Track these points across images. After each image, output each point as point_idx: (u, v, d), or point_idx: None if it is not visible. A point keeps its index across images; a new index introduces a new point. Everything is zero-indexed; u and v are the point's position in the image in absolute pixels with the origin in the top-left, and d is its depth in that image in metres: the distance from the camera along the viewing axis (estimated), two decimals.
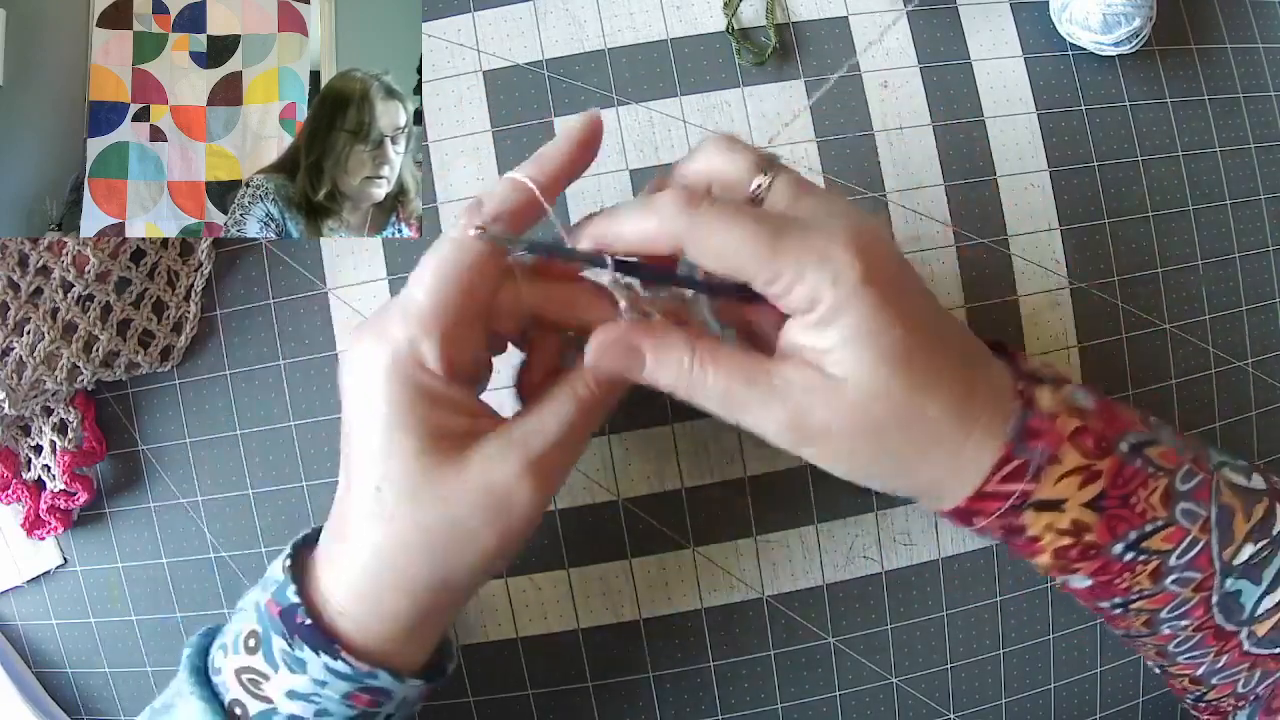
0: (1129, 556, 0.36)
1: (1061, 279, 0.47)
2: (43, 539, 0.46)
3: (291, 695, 0.33)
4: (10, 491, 0.45)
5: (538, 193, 0.34)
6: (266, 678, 0.33)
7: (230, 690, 0.34)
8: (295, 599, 0.33)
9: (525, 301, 0.35)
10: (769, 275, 0.32)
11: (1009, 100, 0.48)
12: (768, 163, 0.35)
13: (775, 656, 0.46)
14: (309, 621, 0.33)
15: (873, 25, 0.48)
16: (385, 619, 0.34)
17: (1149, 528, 0.35)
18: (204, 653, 0.36)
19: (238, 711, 0.34)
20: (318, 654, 0.33)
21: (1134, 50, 0.47)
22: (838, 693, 0.47)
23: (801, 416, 0.33)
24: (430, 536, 0.33)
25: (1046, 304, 0.47)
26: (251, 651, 0.34)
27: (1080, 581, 0.37)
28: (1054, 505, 0.35)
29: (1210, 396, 0.49)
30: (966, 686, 0.47)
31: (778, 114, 0.47)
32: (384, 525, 0.33)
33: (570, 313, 0.35)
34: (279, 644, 0.33)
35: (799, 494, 0.46)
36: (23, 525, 0.45)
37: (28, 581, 0.47)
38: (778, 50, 0.47)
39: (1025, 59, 0.48)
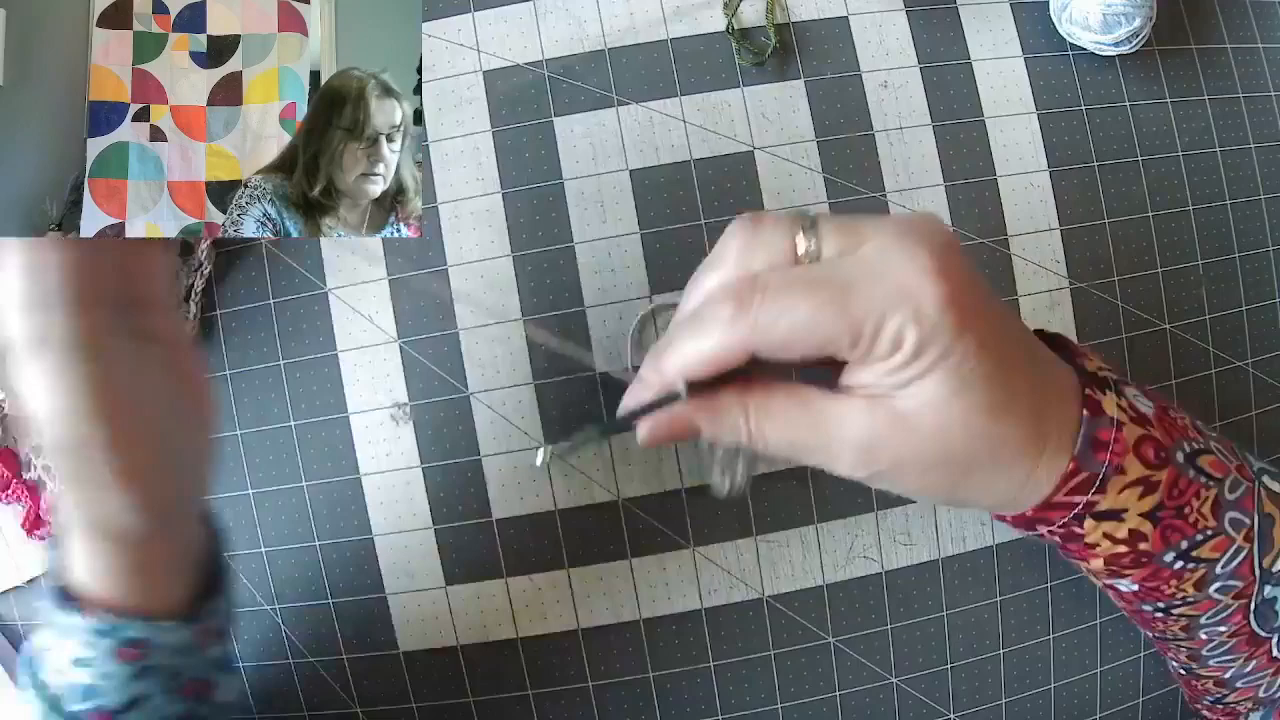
0: (1178, 565, 0.35)
1: (1061, 279, 0.47)
2: (43, 539, 0.46)
3: (77, 663, 0.34)
4: (10, 491, 0.45)
5: None
6: (51, 649, 0.34)
7: (49, 675, 0.35)
8: (51, 566, 0.34)
9: None
10: (850, 337, 0.30)
11: (1009, 100, 0.48)
12: (805, 222, 0.32)
13: (775, 656, 0.46)
14: (59, 585, 0.34)
15: (873, 25, 0.48)
16: (100, 565, 0.34)
17: (1199, 537, 0.35)
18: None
19: (55, 694, 0.34)
20: (71, 615, 0.33)
21: (1134, 50, 0.47)
22: (838, 693, 0.47)
23: (870, 454, 0.32)
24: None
25: (1046, 304, 0.47)
26: (49, 630, 0.35)
27: (1127, 585, 0.37)
28: (1114, 515, 0.34)
29: (1210, 396, 0.49)
30: (966, 686, 0.47)
31: (778, 114, 0.47)
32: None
33: None
34: (56, 616, 0.34)
35: (799, 494, 0.46)
36: (23, 525, 0.45)
37: (28, 581, 0.47)
38: (778, 50, 0.47)
39: (1025, 59, 0.48)
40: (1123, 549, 0.35)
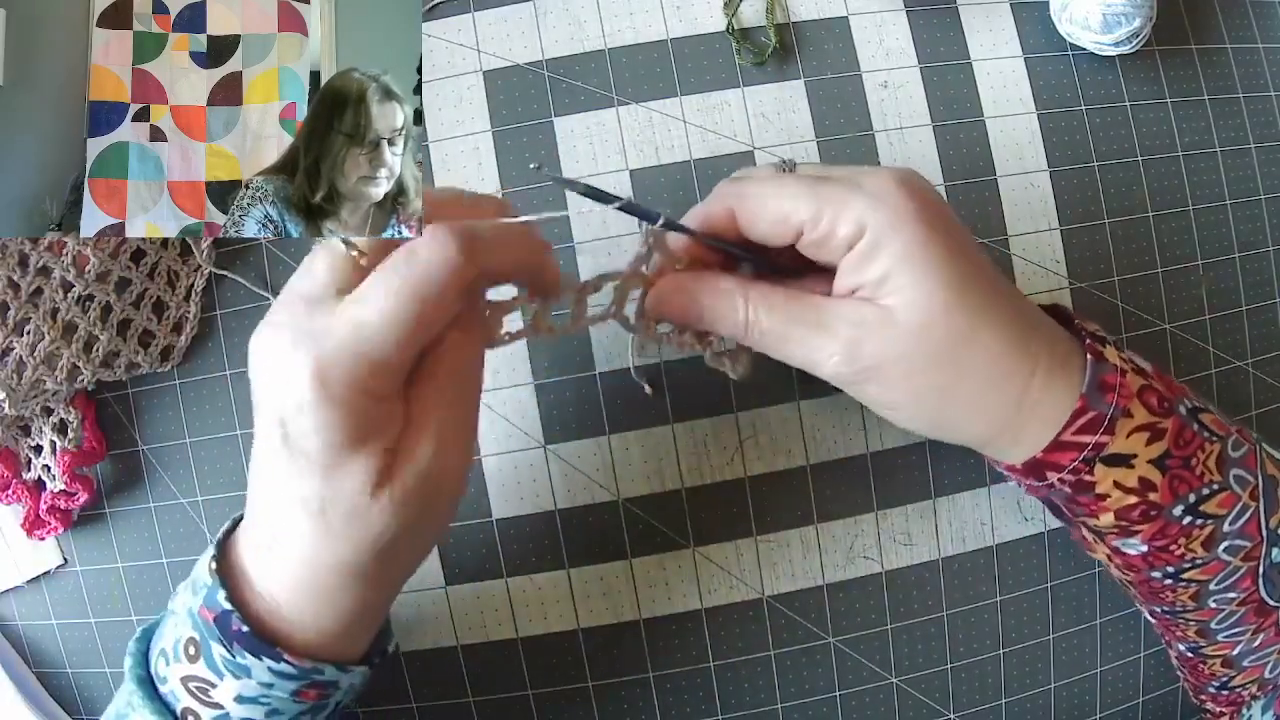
0: (1187, 520, 0.36)
1: (1061, 279, 0.47)
2: (43, 539, 0.46)
3: (240, 700, 0.33)
4: (10, 491, 0.45)
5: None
6: (214, 685, 0.33)
7: (181, 699, 0.33)
8: (228, 605, 0.32)
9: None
10: (813, 214, 0.33)
11: (1009, 100, 0.48)
12: (784, 166, 0.37)
13: (775, 656, 0.46)
14: (245, 628, 0.32)
15: (873, 25, 0.48)
16: (325, 616, 0.33)
17: (1205, 490, 0.36)
18: (145, 659, 0.35)
19: (190, 719, 0.33)
20: (260, 659, 0.32)
21: (1134, 50, 0.47)
22: (838, 693, 0.47)
23: (854, 348, 0.33)
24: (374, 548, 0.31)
25: (1046, 304, 0.47)
26: (193, 659, 0.33)
27: (1136, 547, 0.37)
28: (1124, 460, 0.35)
29: (1210, 396, 0.49)
30: (966, 686, 0.47)
31: (778, 114, 0.47)
32: (325, 540, 0.31)
33: (524, 266, 0.35)
34: (219, 651, 0.32)
35: (799, 494, 0.46)
36: (23, 525, 0.45)
37: (28, 581, 0.47)
38: (778, 50, 0.47)
39: (1025, 59, 0.48)
40: (1133, 499, 0.35)
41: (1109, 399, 0.34)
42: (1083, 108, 0.48)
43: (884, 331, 0.33)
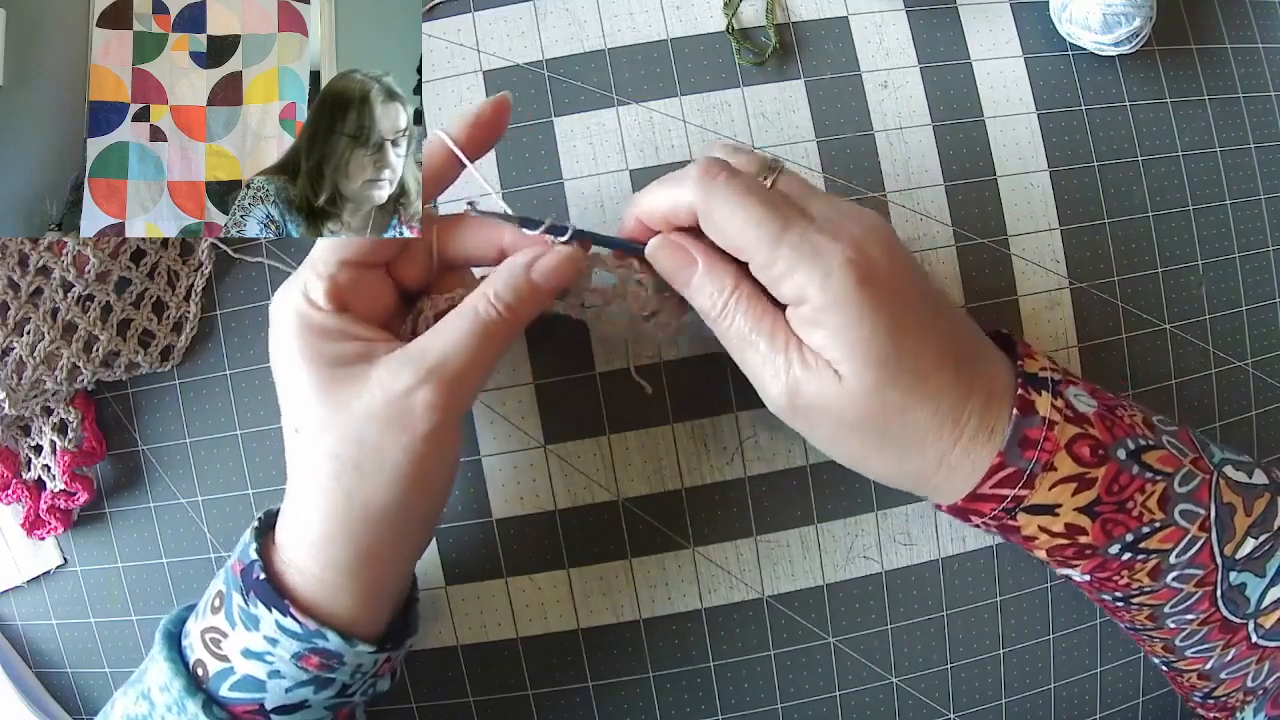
0: (1126, 556, 0.36)
1: (1061, 279, 0.47)
2: (43, 539, 0.46)
3: (247, 654, 0.34)
4: (10, 491, 0.45)
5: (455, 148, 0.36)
6: (225, 635, 0.34)
7: (195, 651, 0.35)
8: (254, 555, 0.34)
9: (445, 247, 0.37)
10: (765, 260, 0.33)
11: (1009, 100, 0.48)
12: (771, 164, 0.36)
13: (775, 656, 0.47)
14: (263, 577, 0.34)
15: (873, 25, 0.48)
16: (329, 568, 0.34)
17: (1145, 529, 0.36)
18: (180, 622, 0.37)
19: (199, 672, 0.34)
20: (270, 610, 0.33)
21: (1134, 50, 0.47)
22: (838, 693, 0.47)
23: (797, 385, 0.34)
24: (340, 463, 0.33)
25: (1046, 304, 0.47)
26: (215, 611, 0.35)
27: (1079, 576, 0.38)
28: (1047, 510, 0.35)
29: (1210, 396, 0.49)
30: (966, 686, 0.47)
31: (778, 114, 0.47)
32: (304, 464, 0.34)
33: (493, 247, 0.37)
34: (237, 601, 0.34)
35: (799, 494, 0.46)
36: (23, 525, 0.45)
37: (28, 581, 0.47)
38: (778, 50, 0.47)
39: (1025, 59, 0.48)
40: (1062, 541, 0.36)
41: (1029, 455, 0.34)
42: (1083, 108, 0.48)
43: (825, 385, 0.34)
